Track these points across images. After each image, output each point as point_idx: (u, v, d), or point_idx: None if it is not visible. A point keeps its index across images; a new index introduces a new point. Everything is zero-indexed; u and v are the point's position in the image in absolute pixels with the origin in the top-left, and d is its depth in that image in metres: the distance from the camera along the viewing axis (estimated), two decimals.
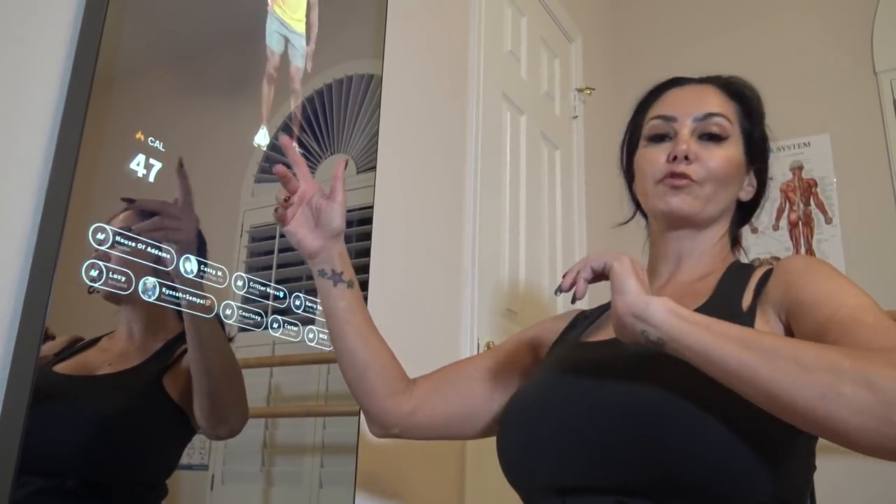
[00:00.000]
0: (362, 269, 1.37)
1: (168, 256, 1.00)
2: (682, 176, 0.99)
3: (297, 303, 1.23)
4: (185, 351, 1.01)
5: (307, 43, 1.31)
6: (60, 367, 0.88)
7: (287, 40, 1.27)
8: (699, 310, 0.92)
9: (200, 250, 1.05)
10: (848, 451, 0.72)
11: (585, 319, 1.11)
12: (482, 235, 1.83)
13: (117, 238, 0.93)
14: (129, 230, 0.95)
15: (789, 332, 0.86)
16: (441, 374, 1.10)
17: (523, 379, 1.08)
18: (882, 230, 2.45)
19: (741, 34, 2.81)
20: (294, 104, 1.28)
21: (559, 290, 0.86)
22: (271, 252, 1.22)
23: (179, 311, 1.02)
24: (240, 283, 1.12)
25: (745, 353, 0.72)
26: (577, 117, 2.55)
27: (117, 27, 0.96)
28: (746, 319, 0.88)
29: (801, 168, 2.61)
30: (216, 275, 1.08)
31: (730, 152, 1.02)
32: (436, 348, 1.64)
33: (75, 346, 0.91)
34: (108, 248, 0.92)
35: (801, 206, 2.59)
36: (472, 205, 1.83)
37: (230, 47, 1.19)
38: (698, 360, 0.75)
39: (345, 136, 1.41)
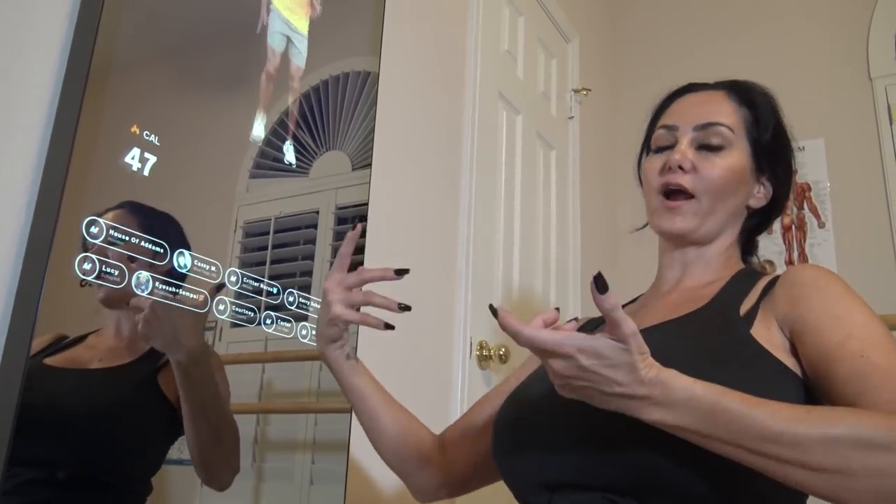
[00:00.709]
0: (355, 267, 1.37)
1: (162, 251, 1.00)
2: (677, 187, 0.99)
3: (291, 299, 1.22)
4: None
5: (308, 41, 1.31)
6: (51, 361, 0.88)
7: (289, 39, 1.26)
8: (693, 313, 0.93)
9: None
10: None
11: (590, 325, 1.11)
12: (476, 235, 1.83)
13: (111, 232, 0.93)
14: (123, 224, 0.95)
15: (793, 349, 0.85)
16: (464, 422, 1.09)
17: None
18: (874, 235, 2.46)
19: (738, 38, 2.82)
20: (290, 100, 1.28)
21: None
22: (265, 248, 1.22)
23: None
24: (233, 278, 1.12)
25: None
26: (573, 118, 2.55)
27: (114, 20, 0.96)
28: (741, 325, 0.87)
29: (794, 172, 2.62)
30: (209, 270, 1.08)
31: (730, 161, 0.99)
32: (429, 348, 1.65)
33: (62, 343, 0.91)
34: (101, 241, 0.91)
35: (795, 209, 2.60)
36: (466, 204, 1.83)
37: (227, 41, 1.19)
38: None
39: (341, 133, 1.40)
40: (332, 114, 1.39)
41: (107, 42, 0.95)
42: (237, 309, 1.12)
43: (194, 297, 1.04)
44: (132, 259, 0.95)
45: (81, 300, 0.92)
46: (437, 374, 1.66)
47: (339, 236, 1.35)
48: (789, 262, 2.55)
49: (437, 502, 1.09)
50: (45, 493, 0.88)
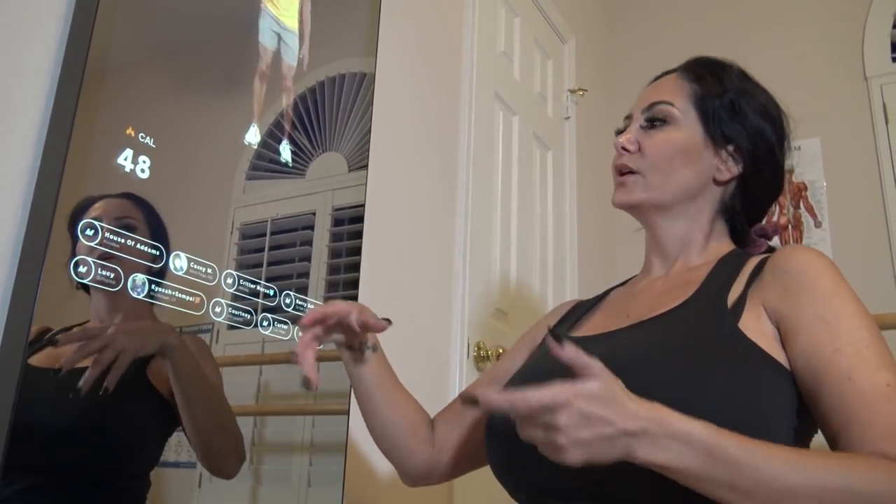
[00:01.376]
0: (352, 268, 1.37)
1: (158, 253, 0.99)
2: (623, 169, 1.02)
3: (287, 301, 1.22)
4: None
5: (300, 41, 1.31)
6: (35, 360, 0.86)
7: (280, 38, 1.26)
8: (681, 307, 0.91)
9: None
10: None
11: (579, 309, 1.11)
12: (473, 235, 1.83)
13: (106, 234, 0.92)
14: (118, 226, 0.94)
15: (782, 338, 0.84)
16: (452, 409, 1.10)
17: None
18: (871, 234, 2.46)
19: (733, 38, 2.82)
20: (286, 101, 1.28)
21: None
22: (262, 249, 1.22)
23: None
24: (230, 280, 1.12)
25: None
26: (569, 118, 2.55)
27: (109, 21, 0.96)
28: (730, 318, 0.86)
29: (791, 171, 2.62)
30: (206, 272, 1.08)
31: (670, 135, 1.00)
32: (426, 348, 1.64)
33: (45, 338, 0.90)
34: (97, 243, 0.91)
35: (791, 209, 2.60)
36: (463, 205, 1.83)
37: (222, 43, 1.18)
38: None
39: (337, 134, 1.40)
40: (328, 115, 1.39)
41: (102, 43, 0.94)
42: (234, 311, 1.12)
43: (190, 299, 1.04)
44: (128, 261, 0.95)
45: (77, 302, 0.91)
46: (434, 375, 1.66)
47: (335, 237, 1.35)
48: None
49: (425, 487, 1.10)
50: (44, 498, 0.87)
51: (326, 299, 1.31)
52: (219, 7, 1.18)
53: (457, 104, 1.88)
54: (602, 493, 0.79)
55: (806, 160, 2.61)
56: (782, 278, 0.87)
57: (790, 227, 2.59)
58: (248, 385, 1.18)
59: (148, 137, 1.00)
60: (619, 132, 1.06)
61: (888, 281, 2.40)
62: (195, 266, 1.06)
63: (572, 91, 2.56)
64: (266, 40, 1.23)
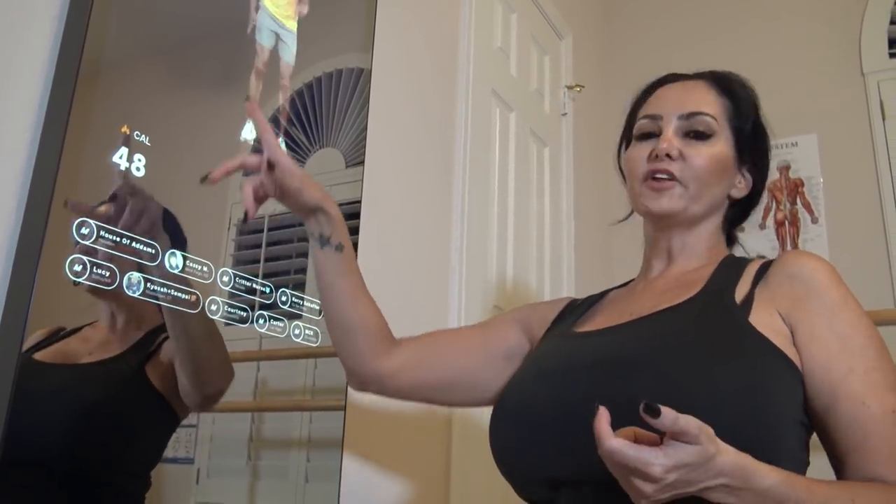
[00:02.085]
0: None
1: (153, 251, 0.99)
2: (665, 173, 1.00)
3: (284, 298, 1.22)
4: (167, 339, 1.01)
5: (297, 39, 1.31)
6: (40, 355, 0.87)
7: (278, 36, 1.26)
8: (689, 301, 0.93)
9: (178, 242, 1.05)
10: None
11: (577, 308, 1.11)
12: (470, 232, 1.83)
13: (101, 233, 0.92)
14: (113, 224, 0.94)
15: (794, 342, 0.88)
16: (429, 340, 1.11)
17: (508, 358, 1.09)
18: (867, 230, 2.47)
19: (731, 34, 2.83)
20: (283, 100, 1.28)
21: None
22: (258, 246, 1.22)
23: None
24: (225, 278, 1.12)
25: None
26: (566, 114, 2.55)
27: (104, 18, 0.95)
28: (740, 312, 0.88)
29: (788, 168, 2.63)
30: (202, 270, 1.08)
31: (716, 150, 1.01)
32: None
33: (57, 335, 0.90)
34: (92, 242, 0.91)
35: (788, 205, 2.60)
36: (460, 201, 1.83)
37: (218, 39, 1.18)
38: None
39: (334, 130, 1.40)
40: (325, 110, 1.39)
41: (96, 42, 0.94)
42: (230, 309, 1.12)
43: (186, 297, 1.04)
44: (123, 259, 0.95)
45: (74, 300, 0.91)
46: None
47: None
48: None
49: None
50: (41, 494, 0.87)
51: None
52: (214, 4, 1.18)
53: (453, 101, 1.88)
54: (618, 485, 0.79)
55: (803, 156, 2.61)
56: (791, 283, 0.90)
57: (787, 222, 2.59)
58: (245, 381, 1.18)
59: (143, 135, 1.00)
60: (647, 134, 1.05)
61: (884, 276, 2.40)
62: (191, 264, 1.06)
63: (569, 87, 2.56)
64: (263, 39, 1.23)
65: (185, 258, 1.05)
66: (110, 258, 0.93)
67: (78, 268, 0.89)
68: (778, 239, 2.59)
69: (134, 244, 0.96)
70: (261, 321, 1.17)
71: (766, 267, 0.94)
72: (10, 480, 0.80)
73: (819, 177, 2.59)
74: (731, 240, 1.11)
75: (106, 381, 0.98)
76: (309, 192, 0.97)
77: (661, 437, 0.68)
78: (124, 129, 0.98)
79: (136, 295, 0.96)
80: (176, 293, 1.02)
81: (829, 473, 0.85)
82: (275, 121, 1.26)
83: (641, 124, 1.06)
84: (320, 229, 0.99)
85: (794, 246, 2.56)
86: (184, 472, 1.05)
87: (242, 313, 1.14)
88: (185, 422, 1.04)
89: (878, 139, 2.51)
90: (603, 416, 0.67)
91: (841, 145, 2.58)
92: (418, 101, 1.73)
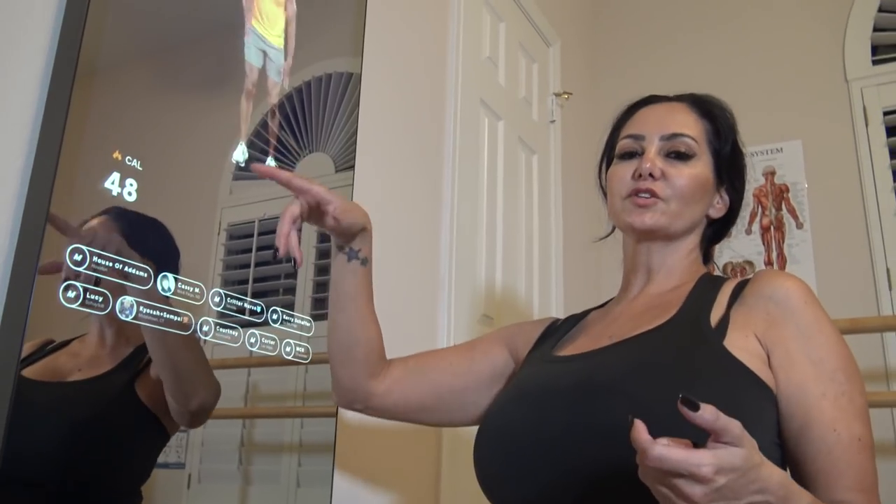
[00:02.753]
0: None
1: (145, 275, 0.99)
2: (648, 192, 1.02)
3: (275, 317, 1.22)
4: None
5: (285, 58, 1.31)
6: (29, 372, 0.86)
7: (265, 55, 1.27)
8: (665, 325, 0.94)
9: (171, 264, 1.05)
10: None
11: (558, 331, 1.12)
12: (459, 240, 1.83)
13: (94, 259, 0.92)
14: (106, 250, 0.94)
15: (770, 364, 0.89)
16: (416, 361, 1.13)
17: (494, 378, 1.11)
18: (851, 235, 2.50)
19: (717, 41, 2.85)
20: (270, 119, 1.28)
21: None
22: (249, 250, 1.22)
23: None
24: (216, 299, 1.12)
25: None
26: (554, 122, 2.56)
27: (95, 44, 0.95)
28: (715, 336, 0.89)
29: (773, 173, 2.66)
30: (193, 291, 1.08)
31: (696, 171, 1.04)
32: (412, 352, 1.64)
33: (45, 350, 0.90)
34: (85, 268, 0.91)
35: (773, 210, 2.63)
36: (449, 209, 1.84)
37: (207, 63, 1.18)
38: None
39: (323, 135, 1.41)
40: (314, 115, 1.39)
41: (88, 68, 0.94)
42: (221, 329, 1.12)
43: (178, 319, 1.04)
44: (116, 284, 0.95)
45: (68, 316, 0.91)
46: None
47: (323, 238, 1.35)
48: (768, 263, 2.58)
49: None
50: None
51: (314, 301, 1.32)
52: (203, 13, 1.18)
53: (442, 111, 1.89)
54: None
55: (788, 162, 2.64)
56: (766, 305, 0.91)
57: (772, 228, 2.61)
58: (236, 386, 1.18)
59: (134, 160, 1.00)
60: (629, 154, 1.07)
61: (868, 282, 2.43)
62: (183, 286, 1.06)
63: (557, 95, 2.58)
64: (252, 58, 1.24)
65: (176, 280, 1.05)
66: (103, 283, 0.93)
67: (71, 294, 0.89)
68: (763, 244, 2.61)
69: (126, 269, 0.96)
70: (252, 340, 1.17)
71: (741, 287, 0.96)
72: (2, 499, 0.80)
73: (804, 182, 2.62)
74: (707, 257, 1.13)
75: (96, 399, 0.98)
76: (356, 217, 0.98)
77: (693, 445, 0.65)
78: (116, 154, 0.98)
79: (128, 319, 0.96)
80: (168, 315, 1.02)
81: None
82: (264, 125, 1.26)
83: (624, 143, 1.08)
84: (351, 244, 1.00)
85: (780, 251, 2.58)
86: (175, 477, 1.05)
87: (233, 333, 1.14)
88: None
89: (861, 145, 2.54)
90: (641, 427, 0.65)
91: (825, 151, 2.61)
92: (407, 111, 1.73)
